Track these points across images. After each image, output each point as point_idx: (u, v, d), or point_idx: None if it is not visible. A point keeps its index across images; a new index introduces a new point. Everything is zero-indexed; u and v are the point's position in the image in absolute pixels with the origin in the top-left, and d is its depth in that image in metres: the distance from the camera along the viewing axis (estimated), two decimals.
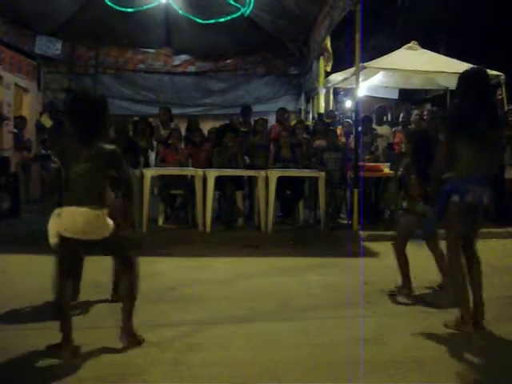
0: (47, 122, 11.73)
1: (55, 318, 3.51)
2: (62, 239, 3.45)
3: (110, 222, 3.57)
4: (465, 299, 4.00)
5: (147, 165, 8.64)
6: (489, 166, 4.01)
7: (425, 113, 11.13)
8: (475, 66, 4.31)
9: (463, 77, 4.18)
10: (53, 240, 3.48)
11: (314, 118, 11.90)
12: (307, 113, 13.02)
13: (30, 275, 5.44)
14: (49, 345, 3.44)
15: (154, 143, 9.46)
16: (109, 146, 3.57)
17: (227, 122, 9.86)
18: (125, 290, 3.72)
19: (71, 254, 3.60)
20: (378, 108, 10.43)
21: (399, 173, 5.35)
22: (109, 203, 3.65)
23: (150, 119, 9.68)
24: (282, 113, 9.92)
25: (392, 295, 4.96)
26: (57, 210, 3.46)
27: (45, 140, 11.01)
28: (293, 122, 10.31)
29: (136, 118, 9.33)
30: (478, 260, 4.14)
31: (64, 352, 3.37)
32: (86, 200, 3.44)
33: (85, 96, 3.65)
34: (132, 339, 3.60)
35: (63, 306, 3.49)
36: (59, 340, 3.41)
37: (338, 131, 9.84)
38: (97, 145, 3.51)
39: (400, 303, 4.79)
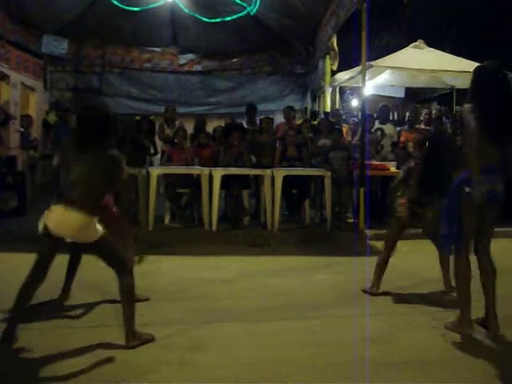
0: (52, 120, 11.76)
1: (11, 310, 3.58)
2: (46, 234, 3.51)
3: (99, 228, 3.59)
4: (465, 300, 3.95)
5: (151, 164, 8.65)
6: (505, 159, 3.85)
7: (433, 111, 11.12)
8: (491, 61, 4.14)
9: (486, 72, 4.05)
10: (41, 228, 3.54)
11: (317, 116, 11.87)
12: (313, 112, 13.00)
13: None
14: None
15: (159, 143, 9.47)
16: (111, 152, 3.62)
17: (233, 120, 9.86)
18: (122, 294, 3.66)
19: (49, 251, 3.60)
20: (381, 107, 10.43)
21: (400, 174, 5.25)
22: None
23: (151, 117, 9.71)
24: (288, 111, 9.90)
25: (365, 292, 5.01)
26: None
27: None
28: (299, 121, 10.29)
29: (137, 118, 9.32)
30: (493, 267, 4.03)
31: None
32: (79, 204, 3.49)
33: (91, 113, 3.73)
34: (137, 340, 3.60)
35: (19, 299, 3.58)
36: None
37: (344, 130, 9.83)
38: (99, 150, 3.58)
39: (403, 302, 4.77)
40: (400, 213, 4.95)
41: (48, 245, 3.56)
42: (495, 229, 4.15)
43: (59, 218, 3.49)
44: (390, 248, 5.04)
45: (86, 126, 3.64)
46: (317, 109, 12.75)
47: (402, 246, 5.29)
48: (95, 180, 3.57)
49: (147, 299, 4.57)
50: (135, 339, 3.58)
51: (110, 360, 3.36)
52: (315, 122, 9.89)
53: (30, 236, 6.82)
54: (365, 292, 5.01)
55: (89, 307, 4.42)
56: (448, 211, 4.00)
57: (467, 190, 3.80)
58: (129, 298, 3.64)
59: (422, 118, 10.48)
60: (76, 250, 4.45)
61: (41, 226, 3.56)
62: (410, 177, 5.01)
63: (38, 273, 3.60)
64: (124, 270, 3.67)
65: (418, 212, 4.85)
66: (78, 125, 3.78)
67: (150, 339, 3.65)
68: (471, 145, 3.80)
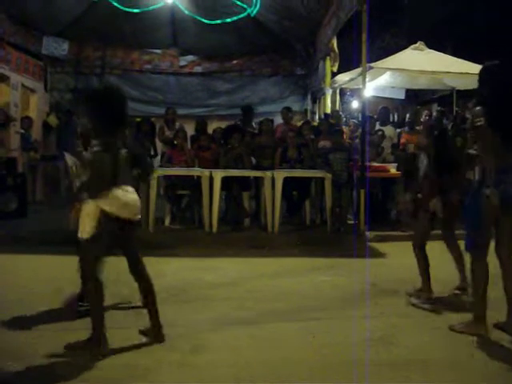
0: (54, 122, 11.77)
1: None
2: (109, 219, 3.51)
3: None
4: (481, 302, 3.89)
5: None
6: None
7: (434, 113, 11.10)
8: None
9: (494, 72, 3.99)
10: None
11: (319, 118, 11.88)
12: (313, 113, 13.01)
13: (37, 276, 5.46)
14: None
15: (159, 144, 9.46)
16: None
17: (233, 122, 9.85)
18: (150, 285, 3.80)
19: (111, 237, 3.60)
20: (381, 109, 10.42)
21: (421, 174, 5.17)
22: None
23: (152, 119, 9.70)
24: (286, 112, 9.90)
25: (410, 296, 4.91)
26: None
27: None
28: (299, 123, 10.29)
29: (138, 119, 9.30)
30: None
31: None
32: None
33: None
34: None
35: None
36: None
37: (345, 131, 9.82)
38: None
39: (412, 304, 4.75)
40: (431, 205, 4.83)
41: (108, 229, 3.54)
42: None
43: (123, 197, 3.57)
44: (420, 250, 4.93)
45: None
46: (316, 110, 12.76)
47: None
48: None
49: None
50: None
51: (111, 361, 3.36)
52: (315, 124, 9.89)
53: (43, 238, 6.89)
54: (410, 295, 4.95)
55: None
56: (469, 215, 3.96)
57: (487, 192, 3.74)
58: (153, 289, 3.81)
59: (422, 120, 10.45)
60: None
61: (89, 226, 3.54)
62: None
63: (101, 266, 3.61)
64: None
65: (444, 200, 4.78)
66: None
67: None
68: (485, 146, 3.77)
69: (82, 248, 3.59)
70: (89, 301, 3.68)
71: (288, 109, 10.02)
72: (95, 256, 3.54)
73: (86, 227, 3.51)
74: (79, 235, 3.56)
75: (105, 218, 3.48)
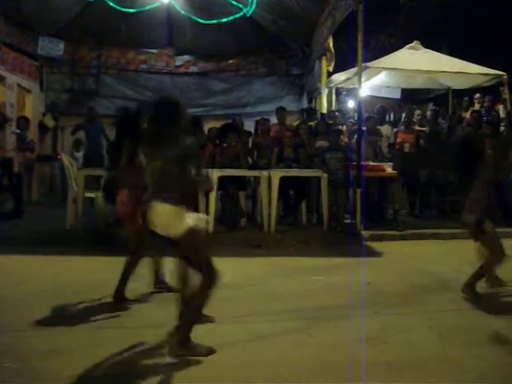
0: (50, 123, 11.76)
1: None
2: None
3: (187, 220, 3.55)
4: None
5: None
6: None
7: (428, 112, 11.13)
8: None
9: None
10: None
11: (315, 113, 11.86)
12: (309, 109, 12.99)
13: (34, 276, 5.45)
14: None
15: None
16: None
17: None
18: (197, 295, 3.61)
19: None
20: (379, 108, 10.44)
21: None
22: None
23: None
24: (281, 112, 9.90)
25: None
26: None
27: (77, 142, 11.16)
28: (296, 123, 10.30)
29: None
30: None
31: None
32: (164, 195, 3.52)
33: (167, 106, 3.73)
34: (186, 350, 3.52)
35: None
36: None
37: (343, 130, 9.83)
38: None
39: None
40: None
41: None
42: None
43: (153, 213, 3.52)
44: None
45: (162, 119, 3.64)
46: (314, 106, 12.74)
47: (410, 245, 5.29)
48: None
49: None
50: (185, 348, 3.49)
51: (111, 360, 3.36)
52: (312, 123, 9.89)
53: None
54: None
55: (93, 309, 4.42)
56: None
57: None
58: (199, 303, 3.60)
59: (415, 120, 10.49)
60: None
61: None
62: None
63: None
64: (209, 272, 3.59)
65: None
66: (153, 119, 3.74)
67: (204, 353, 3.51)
68: None
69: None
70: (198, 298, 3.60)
71: (283, 109, 10.02)
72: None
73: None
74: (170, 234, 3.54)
75: None
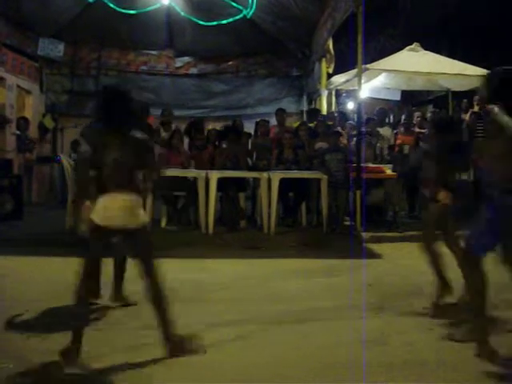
0: (50, 124, 11.76)
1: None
2: (95, 229, 3.43)
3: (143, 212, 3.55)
4: (481, 324, 3.60)
5: None
6: None
7: (428, 114, 11.14)
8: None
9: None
10: (83, 229, 3.50)
11: (317, 114, 11.87)
12: (311, 110, 12.99)
13: (32, 278, 5.45)
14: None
15: (156, 146, 9.43)
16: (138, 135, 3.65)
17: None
18: (155, 297, 3.62)
19: (102, 245, 3.55)
20: (379, 110, 10.44)
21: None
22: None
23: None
24: (281, 114, 9.90)
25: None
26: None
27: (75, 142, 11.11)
28: (296, 124, 10.30)
29: None
30: None
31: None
32: (124, 187, 3.49)
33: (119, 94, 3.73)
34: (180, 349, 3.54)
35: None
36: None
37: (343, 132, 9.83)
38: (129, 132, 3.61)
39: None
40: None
41: (99, 240, 3.49)
42: None
43: (109, 205, 3.45)
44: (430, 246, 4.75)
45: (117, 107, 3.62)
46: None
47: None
48: (131, 162, 3.55)
49: (135, 304, 4.53)
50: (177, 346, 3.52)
51: (113, 362, 3.36)
52: (311, 124, 9.89)
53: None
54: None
55: (93, 310, 4.41)
56: (486, 224, 3.61)
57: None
58: (163, 299, 3.59)
59: (414, 122, 10.50)
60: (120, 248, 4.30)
61: (83, 226, 3.51)
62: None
63: (91, 273, 3.57)
64: (156, 269, 3.61)
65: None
66: (106, 107, 3.69)
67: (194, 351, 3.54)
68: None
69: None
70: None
71: (282, 110, 10.03)
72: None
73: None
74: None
75: None
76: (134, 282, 4.43)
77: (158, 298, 3.58)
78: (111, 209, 3.43)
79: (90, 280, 3.55)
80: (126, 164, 3.51)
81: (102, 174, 3.50)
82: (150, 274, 3.59)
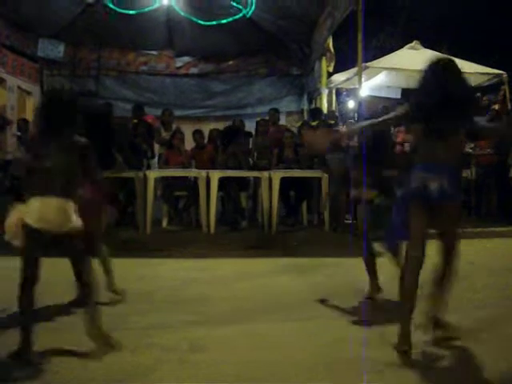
0: None
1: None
2: (30, 231, 3.42)
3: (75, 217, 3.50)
4: (405, 320, 3.58)
5: (148, 167, 8.63)
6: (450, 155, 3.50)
7: None
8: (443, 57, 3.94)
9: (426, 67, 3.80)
10: (12, 233, 3.48)
11: (320, 114, 11.85)
12: (313, 110, 12.98)
13: None
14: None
15: (156, 146, 9.45)
16: (81, 139, 3.57)
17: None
18: (88, 294, 3.64)
19: (37, 248, 3.51)
20: (382, 108, 10.42)
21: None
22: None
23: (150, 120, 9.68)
24: (273, 113, 9.91)
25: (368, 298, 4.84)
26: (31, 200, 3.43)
27: None
28: (298, 124, 10.30)
29: (135, 121, 9.28)
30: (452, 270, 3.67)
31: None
32: (56, 191, 3.43)
33: (59, 98, 3.65)
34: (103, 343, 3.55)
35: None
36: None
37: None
38: (68, 137, 3.53)
39: None
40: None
41: (33, 241, 3.47)
42: (493, 229, 4.04)
43: (40, 208, 3.40)
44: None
45: (56, 111, 3.54)
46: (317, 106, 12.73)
47: None
48: (67, 167, 3.49)
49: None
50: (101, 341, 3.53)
51: (111, 360, 3.36)
52: (314, 123, 9.88)
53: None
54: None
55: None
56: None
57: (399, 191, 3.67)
58: (93, 295, 3.63)
59: None
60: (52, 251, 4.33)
61: (11, 233, 3.49)
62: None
63: (30, 274, 3.56)
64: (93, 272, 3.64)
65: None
66: (46, 111, 3.62)
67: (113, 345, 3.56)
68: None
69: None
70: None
71: (275, 110, 10.02)
72: None
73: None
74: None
75: None
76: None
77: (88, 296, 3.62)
78: (46, 212, 3.41)
79: (29, 283, 3.56)
80: (60, 169, 3.45)
81: (37, 177, 3.47)
82: (86, 275, 3.64)
